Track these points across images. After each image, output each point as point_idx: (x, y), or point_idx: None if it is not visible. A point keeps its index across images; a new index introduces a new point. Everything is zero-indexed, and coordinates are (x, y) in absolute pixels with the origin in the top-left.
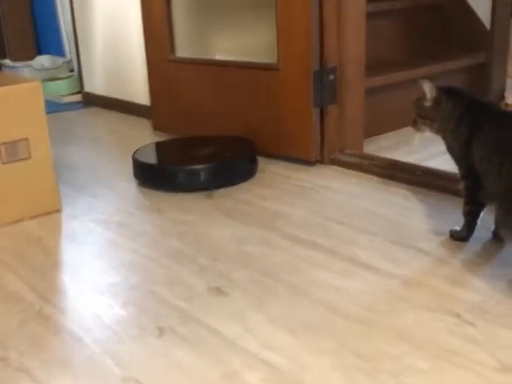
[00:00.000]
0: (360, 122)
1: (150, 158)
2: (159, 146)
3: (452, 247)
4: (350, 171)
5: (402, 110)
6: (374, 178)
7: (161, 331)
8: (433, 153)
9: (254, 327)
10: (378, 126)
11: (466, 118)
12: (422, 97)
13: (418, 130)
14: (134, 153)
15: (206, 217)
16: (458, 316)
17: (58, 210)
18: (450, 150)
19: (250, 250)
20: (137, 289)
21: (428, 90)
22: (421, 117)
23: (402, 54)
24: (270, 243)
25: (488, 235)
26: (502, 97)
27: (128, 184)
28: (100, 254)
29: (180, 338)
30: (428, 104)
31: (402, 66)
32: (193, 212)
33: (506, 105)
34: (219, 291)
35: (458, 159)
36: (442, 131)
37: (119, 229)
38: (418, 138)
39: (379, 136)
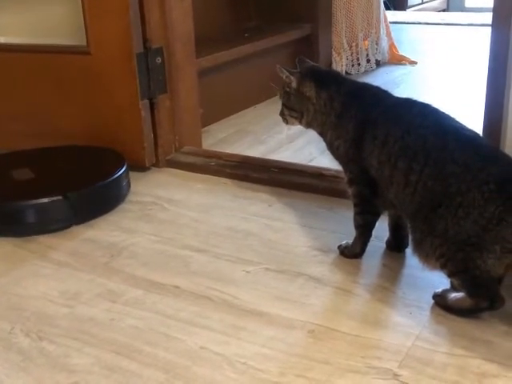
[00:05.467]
0: (196, 112)
1: None
2: None
3: (348, 269)
4: (194, 174)
5: (233, 94)
6: (224, 180)
7: None
8: (281, 141)
9: None
10: (210, 113)
11: (350, 110)
12: (286, 84)
13: (286, 121)
14: None
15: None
16: (395, 376)
17: None
18: (333, 150)
19: (88, 313)
20: None
21: (285, 77)
22: (287, 107)
23: (223, 31)
24: (116, 297)
25: (381, 245)
26: None
27: None
28: None
29: None
30: (293, 94)
31: (227, 43)
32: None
33: None
34: None
35: (344, 162)
36: (317, 126)
37: None
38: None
39: (213, 125)
